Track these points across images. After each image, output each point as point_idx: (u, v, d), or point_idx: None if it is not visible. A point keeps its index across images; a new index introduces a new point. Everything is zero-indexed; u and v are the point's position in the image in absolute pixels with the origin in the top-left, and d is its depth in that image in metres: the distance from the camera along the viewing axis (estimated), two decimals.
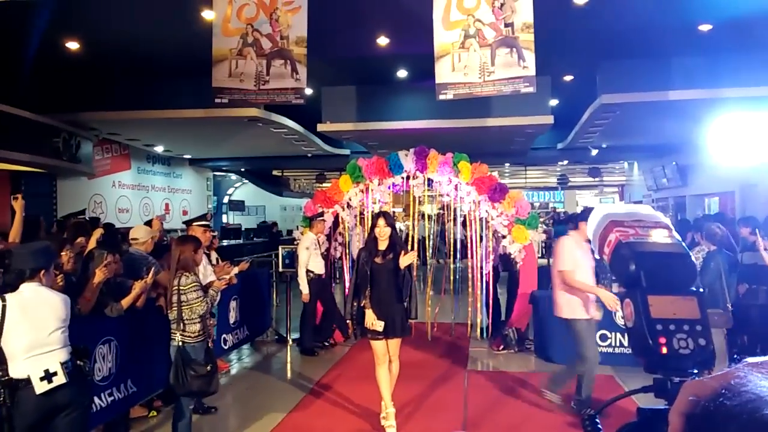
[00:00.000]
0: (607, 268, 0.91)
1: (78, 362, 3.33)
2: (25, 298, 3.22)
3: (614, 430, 0.73)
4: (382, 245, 4.91)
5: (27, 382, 3.13)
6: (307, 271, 7.51)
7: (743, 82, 9.13)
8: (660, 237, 0.91)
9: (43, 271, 3.30)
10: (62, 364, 3.22)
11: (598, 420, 0.79)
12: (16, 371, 3.14)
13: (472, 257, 8.29)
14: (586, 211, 5.22)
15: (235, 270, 6.13)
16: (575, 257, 5.12)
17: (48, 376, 3.15)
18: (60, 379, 3.18)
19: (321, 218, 7.88)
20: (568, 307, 5.17)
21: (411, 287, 4.89)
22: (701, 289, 0.86)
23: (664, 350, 0.80)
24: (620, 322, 6.76)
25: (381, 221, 4.93)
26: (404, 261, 4.81)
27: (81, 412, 3.33)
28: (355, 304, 4.93)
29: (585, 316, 5.14)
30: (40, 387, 3.13)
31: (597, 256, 0.95)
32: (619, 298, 0.88)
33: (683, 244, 0.89)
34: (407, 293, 4.87)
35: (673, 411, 0.52)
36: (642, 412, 0.68)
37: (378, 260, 4.89)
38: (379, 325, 4.76)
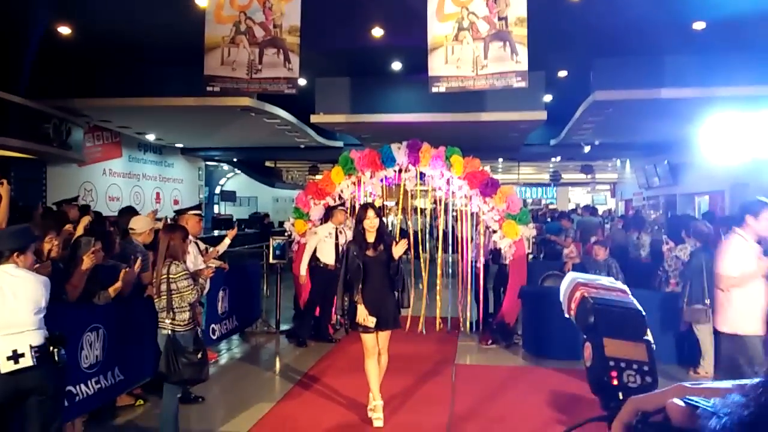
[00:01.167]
0: None
1: (51, 348, 3.30)
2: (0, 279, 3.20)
3: None
4: (370, 237, 4.86)
5: None
6: (317, 259, 7.50)
7: (736, 81, 9.17)
8: (617, 296, 1.08)
9: (17, 253, 3.28)
10: (32, 347, 3.19)
11: None
12: None
13: (463, 252, 8.30)
14: (754, 204, 4.45)
15: (215, 264, 6.12)
16: (744, 260, 4.40)
17: (15, 356, 3.14)
18: (26, 362, 3.16)
19: (341, 207, 7.81)
20: (736, 320, 4.44)
21: (403, 278, 4.86)
22: (651, 339, 1.02)
23: (615, 381, 0.95)
24: None
25: (370, 212, 4.87)
26: (398, 251, 4.75)
27: (51, 397, 3.31)
28: (346, 299, 4.88)
29: (757, 331, 4.38)
30: (5, 366, 3.12)
31: (566, 314, 1.13)
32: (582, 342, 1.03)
33: (635, 302, 1.06)
34: (400, 284, 4.83)
35: (617, 420, 0.59)
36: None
37: (369, 253, 4.83)
38: (372, 321, 4.72)
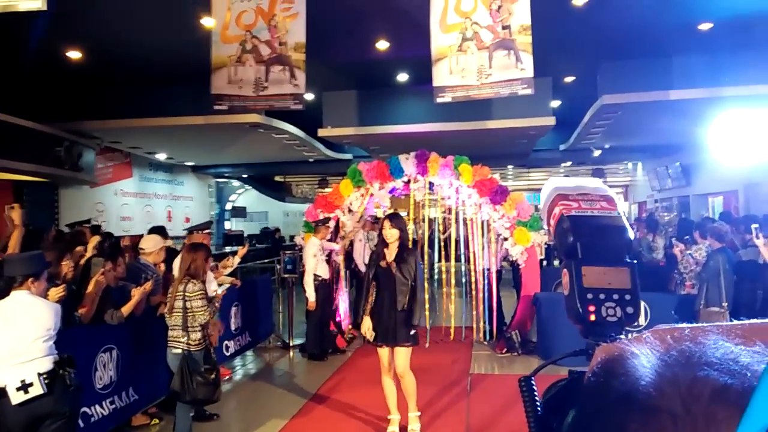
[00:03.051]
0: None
1: (60, 372, 3.30)
2: (11, 306, 3.21)
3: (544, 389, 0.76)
4: (390, 249, 4.74)
5: (4, 392, 3.11)
6: (315, 276, 7.50)
7: (745, 80, 9.09)
8: (600, 210, 0.95)
9: (31, 279, 3.29)
10: (40, 374, 3.18)
11: (533, 381, 0.81)
12: None
13: (474, 261, 8.26)
14: None
15: (227, 283, 6.13)
16: None
17: (24, 386, 3.13)
18: (36, 390, 3.16)
19: (325, 224, 7.87)
20: None
21: (414, 292, 4.65)
22: (635, 261, 0.91)
23: (593, 317, 0.86)
24: None
25: (386, 223, 4.77)
26: (388, 255, 4.64)
27: (64, 422, 3.30)
28: (359, 310, 4.84)
29: None
30: (16, 397, 3.11)
31: (545, 227, 1.00)
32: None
33: (623, 217, 0.94)
34: (403, 297, 4.61)
35: (588, 371, 0.53)
36: (572, 374, 0.71)
37: (383, 264, 4.72)
38: (370, 335, 4.65)
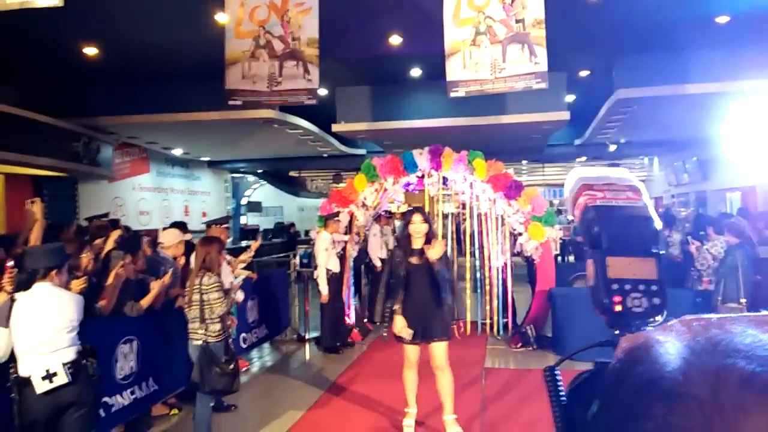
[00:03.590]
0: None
1: (83, 362, 3.37)
2: (35, 298, 3.29)
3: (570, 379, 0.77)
4: (417, 243, 4.58)
5: (29, 381, 3.20)
6: (326, 270, 7.56)
7: (763, 74, 8.97)
8: (626, 200, 0.95)
9: (55, 271, 3.36)
10: (64, 364, 3.25)
11: (557, 372, 0.82)
12: (23, 369, 3.22)
13: (489, 256, 8.27)
14: None
15: (243, 275, 6.21)
16: None
17: (49, 375, 3.21)
18: (61, 379, 3.23)
19: (336, 218, 7.93)
20: None
21: (451, 286, 4.55)
22: (662, 251, 0.91)
23: (618, 308, 0.85)
24: None
25: (417, 217, 4.60)
26: (434, 252, 4.41)
27: (87, 411, 3.37)
28: (388, 306, 4.59)
29: None
30: (41, 386, 3.19)
31: (569, 217, 1.00)
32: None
33: (649, 207, 0.92)
34: (447, 293, 4.49)
35: (613, 359, 0.54)
36: (597, 364, 0.72)
37: (414, 260, 4.56)
38: (408, 334, 4.48)
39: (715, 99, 9.74)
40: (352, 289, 8.78)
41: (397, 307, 4.49)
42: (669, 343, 0.48)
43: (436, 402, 5.19)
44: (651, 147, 17.34)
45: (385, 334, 4.80)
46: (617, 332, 0.86)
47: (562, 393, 0.78)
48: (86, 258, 4.53)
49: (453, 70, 7.16)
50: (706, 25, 8.51)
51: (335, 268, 7.70)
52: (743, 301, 5.85)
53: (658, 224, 0.95)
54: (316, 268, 7.61)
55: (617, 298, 0.87)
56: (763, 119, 9.67)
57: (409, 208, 5.00)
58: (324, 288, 7.48)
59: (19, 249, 4.46)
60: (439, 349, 4.60)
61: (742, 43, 8.97)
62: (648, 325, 0.88)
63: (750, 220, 7.23)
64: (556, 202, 26.66)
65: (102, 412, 4.23)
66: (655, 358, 0.48)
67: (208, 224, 6.31)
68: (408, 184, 8.42)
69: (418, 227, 4.57)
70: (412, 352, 4.62)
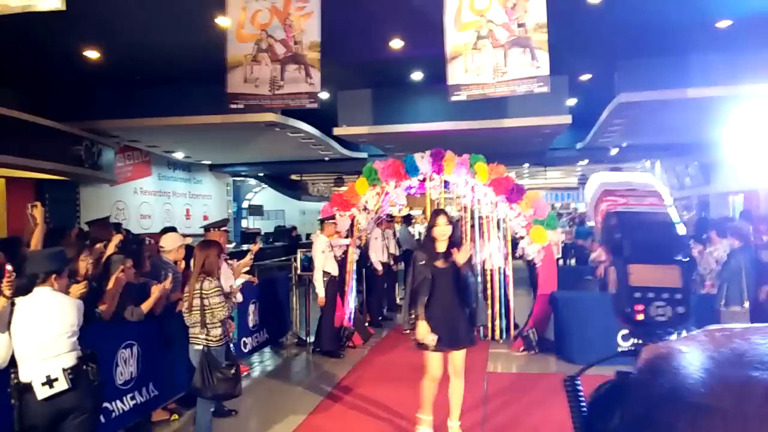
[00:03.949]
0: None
1: (84, 367, 3.34)
2: (35, 302, 3.26)
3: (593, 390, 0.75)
4: (441, 247, 4.42)
5: (29, 387, 3.18)
6: (324, 272, 7.54)
7: (764, 77, 8.96)
8: (649, 207, 0.92)
9: (55, 276, 3.34)
10: (65, 369, 3.22)
11: (578, 381, 0.80)
12: (24, 375, 3.19)
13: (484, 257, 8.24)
14: None
15: (243, 279, 6.19)
16: None
17: (49, 381, 3.18)
18: (61, 385, 3.20)
19: (332, 220, 7.91)
20: None
21: (475, 290, 4.41)
22: (686, 258, 0.87)
23: (640, 317, 0.82)
24: None
25: (441, 219, 4.41)
26: (462, 256, 4.26)
27: (87, 417, 3.34)
28: (412, 313, 4.41)
29: None
30: (42, 392, 3.16)
31: (591, 223, 0.96)
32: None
33: (672, 213, 0.90)
34: (472, 298, 4.37)
35: (634, 369, 0.52)
36: (619, 374, 0.70)
37: (439, 264, 4.39)
38: (432, 340, 4.29)
39: (717, 103, 9.73)
40: (355, 292, 8.75)
41: (420, 311, 4.31)
42: (692, 354, 0.47)
43: (437, 405, 5.15)
44: (653, 151, 17.33)
45: (406, 330, 4.57)
46: (639, 342, 0.83)
47: (583, 404, 0.75)
48: (84, 263, 4.51)
49: (454, 74, 7.16)
50: (707, 29, 8.51)
51: (333, 271, 7.66)
52: (746, 304, 5.82)
53: (682, 230, 0.92)
54: (309, 269, 7.60)
55: (639, 307, 0.84)
56: (764, 122, 9.65)
57: (432, 210, 4.82)
58: (321, 290, 7.46)
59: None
60: (461, 355, 4.46)
61: (744, 47, 8.97)
62: (671, 335, 0.86)
63: (753, 224, 7.19)
64: (558, 205, 26.64)
65: (102, 418, 4.21)
66: (677, 369, 0.46)
67: (207, 228, 6.28)
68: (409, 188, 8.41)
69: (442, 229, 4.41)
70: (435, 362, 4.40)
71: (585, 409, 0.73)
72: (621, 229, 0.90)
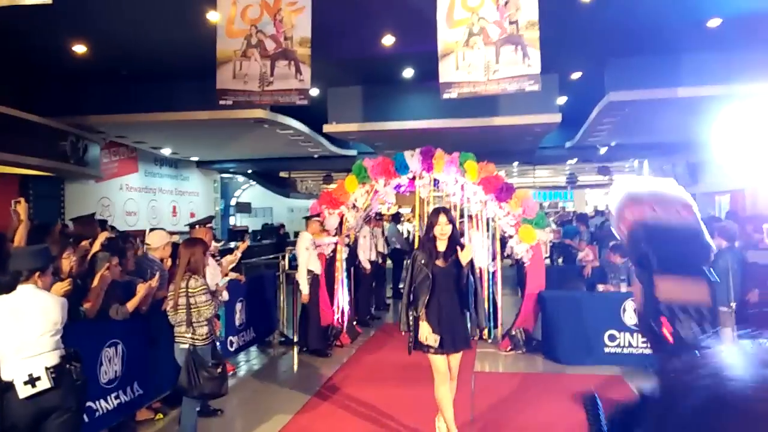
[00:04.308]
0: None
1: (67, 366, 3.29)
2: (18, 300, 3.20)
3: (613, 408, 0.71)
4: (441, 246, 4.32)
5: (11, 385, 3.11)
6: (308, 270, 7.49)
7: (754, 77, 9.02)
8: (678, 218, 0.86)
9: (38, 273, 3.28)
10: (47, 368, 3.17)
11: (598, 399, 0.76)
12: (5, 373, 3.13)
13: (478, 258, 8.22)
14: None
15: (228, 277, 6.12)
16: None
17: (31, 380, 3.13)
18: (44, 384, 3.15)
19: (316, 218, 7.87)
20: None
21: (477, 292, 4.32)
22: (712, 271, 0.81)
23: (668, 335, 0.78)
24: (627, 321, 6.70)
25: (442, 218, 4.30)
26: (465, 256, 4.17)
27: (70, 416, 3.29)
28: (411, 314, 4.29)
29: None
30: (24, 391, 3.11)
31: (614, 231, 0.90)
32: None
33: (700, 221, 0.84)
34: (473, 300, 4.28)
35: (667, 372, 0.49)
36: (640, 392, 0.65)
37: (439, 263, 4.30)
38: (434, 340, 4.19)
39: (706, 102, 9.78)
40: (345, 290, 8.70)
41: (421, 312, 4.21)
42: (734, 358, 0.44)
43: (423, 405, 5.12)
44: (641, 150, 17.44)
45: (403, 331, 4.46)
46: (666, 356, 0.78)
47: (602, 422, 0.71)
48: (67, 260, 4.42)
49: (446, 72, 7.12)
50: (697, 28, 8.55)
51: (316, 269, 7.62)
52: (733, 305, 5.84)
53: (712, 243, 0.87)
54: (296, 268, 7.56)
55: (665, 321, 0.80)
56: (753, 122, 9.71)
57: (433, 208, 4.67)
58: (305, 287, 7.41)
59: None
60: (457, 359, 4.38)
61: (734, 46, 9.02)
62: (699, 352, 0.81)
63: (739, 223, 7.23)
64: (546, 204, 26.74)
65: (86, 417, 4.14)
66: (718, 374, 0.44)
67: (191, 226, 6.20)
68: (399, 186, 8.36)
69: (443, 228, 4.30)
70: (441, 363, 4.28)
71: (605, 427, 0.68)
72: (648, 242, 0.85)
